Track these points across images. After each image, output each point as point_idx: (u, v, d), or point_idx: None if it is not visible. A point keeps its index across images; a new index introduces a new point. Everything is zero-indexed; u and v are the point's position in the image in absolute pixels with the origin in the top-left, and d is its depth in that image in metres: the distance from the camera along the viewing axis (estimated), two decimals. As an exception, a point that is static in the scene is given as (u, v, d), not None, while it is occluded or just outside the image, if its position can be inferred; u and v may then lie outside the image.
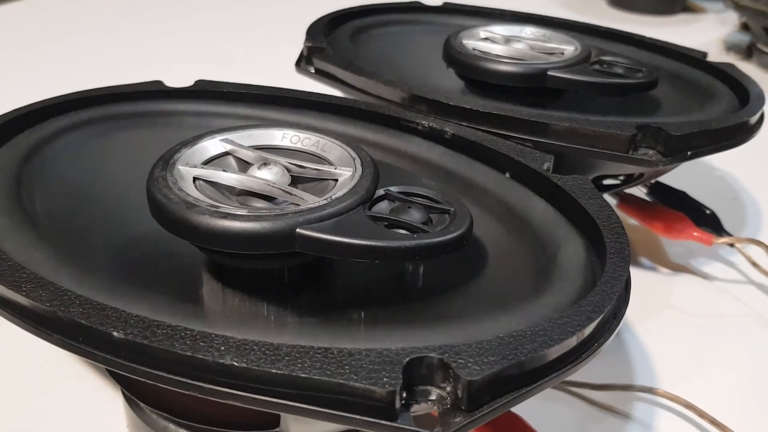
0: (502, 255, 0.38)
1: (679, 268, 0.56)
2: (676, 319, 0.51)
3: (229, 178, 0.36)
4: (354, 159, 0.38)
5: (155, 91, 0.48)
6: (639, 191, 0.59)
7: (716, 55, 1.02)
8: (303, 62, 0.58)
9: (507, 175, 0.42)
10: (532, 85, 0.54)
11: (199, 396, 0.26)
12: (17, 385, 0.43)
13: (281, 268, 0.36)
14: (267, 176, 0.37)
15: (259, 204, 0.36)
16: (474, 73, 0.55)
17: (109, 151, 0.44)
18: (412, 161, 0.44)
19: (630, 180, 0.54)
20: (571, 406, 0.43)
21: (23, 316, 0.28)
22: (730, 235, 0.55)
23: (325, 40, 0.58)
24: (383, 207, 0.36)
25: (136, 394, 0.35)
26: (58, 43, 0.96)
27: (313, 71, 0.56)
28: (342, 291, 0.38)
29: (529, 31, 0.61)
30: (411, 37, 0.68)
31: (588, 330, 0.27)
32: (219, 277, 0.37)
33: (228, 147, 0.39)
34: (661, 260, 0.57)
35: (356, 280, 0.38)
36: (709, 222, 0.55)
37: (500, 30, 0.61)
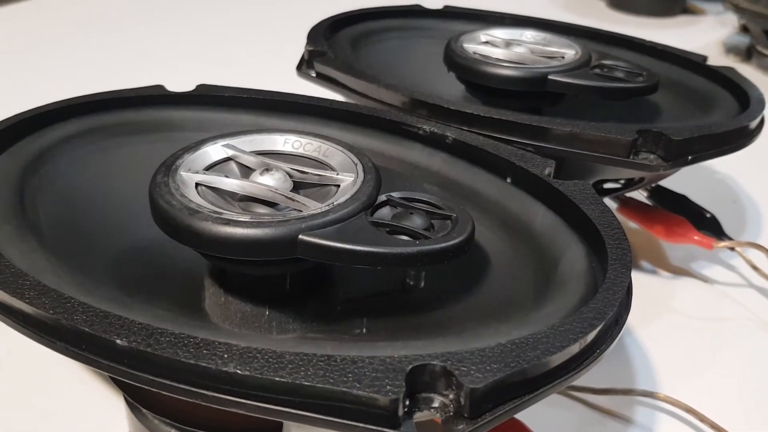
0: (503, 262, 0.38)
1: (679, 271, 0.56)
2: (676, 322, 0.51)
3: (232, 183, 0.36)
4: (356, 164, 0.38)
5: (157, 96, 0.48)
6: (640, 195, 0.59)
7: (716, 57, 1.02)
8: (304, 66, 0.58)
9: (508, 180, 0.42)
10: (532, 89, 0.54)
11: (202, 403, 0.26)
12: (19, 391, 0.43)
13: (283, 275, 0.37)
14: (269, 182, 0.37)
15: (262, 210, 0.36)
16: (474, 76, 0.55)
17: (112, 160, 0.44)
18: (413, 166, 0.44)
19: (631, 184, 0.54)
20: (571, 410, 0.43)
21: (26, 324, 0.29)
22: (730, 238, 0.55)
23: (326, 44, 0.58)
24: (385, 213, 0.36)
25: (138, 400, 0.35)
26: (58, 45, 0.96)
27: (314, 75, 0.56)
28: (344, 298, 0.38)
29: (529, 34, 0.61)
30: (412, 40, 0.68)
31: (590, 337, 0.27)
32: (221, 284, 0.37)
33: (230, 152, 0.39)
34: (662, 264, 0.57)
35: (358, 287, 0.38)
36: (709, 226, 0.55)
37: (501, 34, 0.61)
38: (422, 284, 0.38)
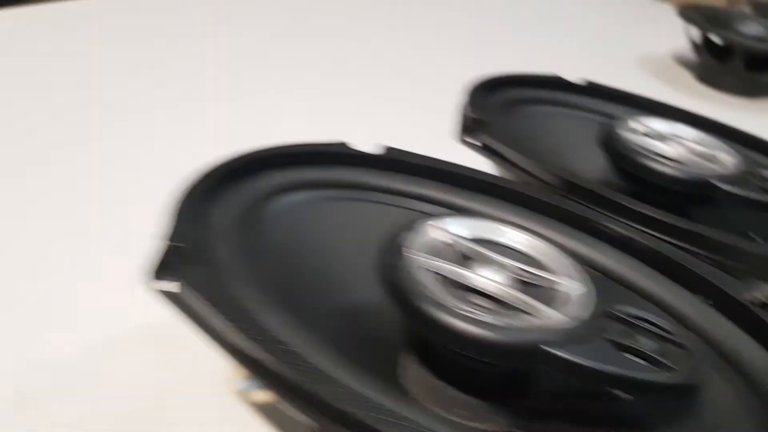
0: (710, 392, 0.38)
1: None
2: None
3: (471, 278, 0.37)
4: (578, 271, 0.38)
5: (346, 154, 0.49)
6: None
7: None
8: (465, 133, 0.58)
9: (707, 300, 0.42)
10: (693, 192, 0.55)
11: None
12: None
13: (499, 371, 0.37)
14: (496, 277, 0.37)
15: (485, 303, 0.37)
16: (639, 170, 0.56)
17: (311, 217, 0.45)
18: (607, 270, 0.45)
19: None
20: None
21: (307, 404, 0.30)
22: None
23: (482, 112, 0.59)
24: (614, 328, 0.36)
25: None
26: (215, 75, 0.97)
27: (480, 146, 0.57)
28: (547, 393, 0.39)
29: (684, 130, 0.62)
30: (554, 113, 0.69)
31: None
32: (428, 363, 0.38)
33: (452, 239, 0.40)
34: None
35: (562, 386, 0.39)
36: None
37: (655, 125, 0.61)
38: (630, 404, 0.39)
